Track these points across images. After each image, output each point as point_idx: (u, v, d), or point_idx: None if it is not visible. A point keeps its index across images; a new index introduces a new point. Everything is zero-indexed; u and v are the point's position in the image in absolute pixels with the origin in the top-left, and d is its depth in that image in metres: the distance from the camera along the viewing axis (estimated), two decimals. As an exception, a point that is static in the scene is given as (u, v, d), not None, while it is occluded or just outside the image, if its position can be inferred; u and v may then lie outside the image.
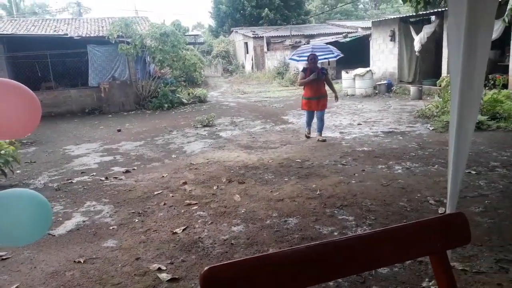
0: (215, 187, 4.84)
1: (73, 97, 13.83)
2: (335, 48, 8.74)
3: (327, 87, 7.26)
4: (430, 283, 2.62)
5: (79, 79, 14.36)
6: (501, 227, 3.40)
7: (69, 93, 13.85)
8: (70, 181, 5.55)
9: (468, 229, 1.69)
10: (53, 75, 13.78)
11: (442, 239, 1.64)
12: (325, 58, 8.93)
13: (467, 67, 2.21)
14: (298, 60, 8.72)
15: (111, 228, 3.83)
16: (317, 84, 6.98)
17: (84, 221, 4.04)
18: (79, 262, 3.18)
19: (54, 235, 3.74)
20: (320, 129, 7.22)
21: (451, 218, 1.75)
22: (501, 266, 2.81)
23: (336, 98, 7.54)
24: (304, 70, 7.15)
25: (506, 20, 9.57)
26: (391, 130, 7.93)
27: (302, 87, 7.26)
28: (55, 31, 14.78)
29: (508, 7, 8.81)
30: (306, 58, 7.50)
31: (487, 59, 2.30)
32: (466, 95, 2.26)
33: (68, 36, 13.51)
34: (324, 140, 7.06)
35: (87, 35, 14.11)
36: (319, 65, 7.22)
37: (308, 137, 7.38)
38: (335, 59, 7.68)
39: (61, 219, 4.13)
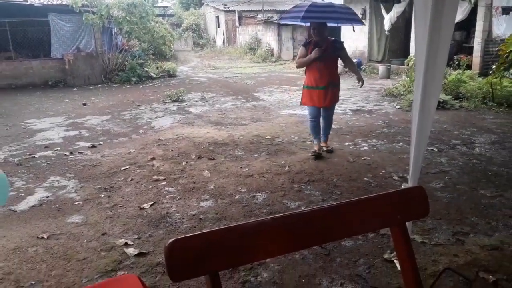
0: (184, 163, 4.81)
1: (35, 68, 13.17)
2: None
3: (341, 70, 5.11)
4: (391, 255, 2.73)
5: (41, 49, 13.64)
6: (459, 202, 3.57)
7: (30, 64, 13.17)
8: (32, 156, 5.35)
9: (427, 202, 1.76)
10: (13, 44, 13.02)
11: (402, 211, 1.71)
12: (346, 22, 5.08)
13: (431, 46, 2.25)
14: (295, 22, 5.81)
15: (76, 203, 3.75)
16: (324, 66, 4.60)
17: (47, 197, 3.93)
18: (43, 238, 3.10)
19: (16, 211, 3.62)
20: (326, 133, 5.03)
21: (411, 191, 1.82)
22: (458, 238, 2.97)
23: (360, 80, 4.89)
24: (306, 43, 4.79)
25: (472, 2, 9.82)
26: (358, 108, 8.07)
27: (303, 70, 4.89)
28: (14, -3, 13.93)
29: (475, -12, 9.01)
30: (307, 21, 4.88)
31: (450, 38, 2.35)
32: (430, 73, 2.32)
33: (29, 3, 12.75)
34: (331, 151, 5.04)
35: (49, 3, 13.36)
36: (329, 37, 4.74)
37: (318, 154, 4.84)
38: (360, 25, 5.04)
39: (23, 194, 4.00)
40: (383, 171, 4.41)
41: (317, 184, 4.07)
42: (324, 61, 4.59)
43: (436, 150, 5.07)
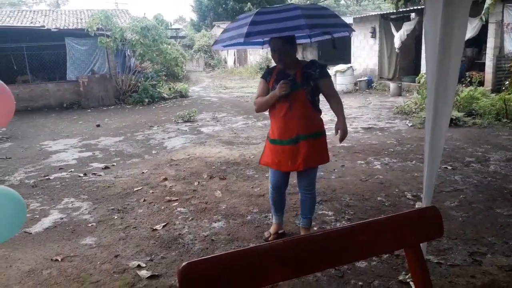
0: (196, 183, 4.83)
1: (51, 91, 13.51)
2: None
3: (324, 109, 3.32)
4: (407, 276, 2.68)
5: (57, 72, 14.02)
6: (475, 221, 3.50)
7: (46, 87, 13.52)
8: (47, 177, 5.44)
9: (441, 223, 1.73)
10: (30, 68, 13.42)
11: (416, 232, 1.69)
12: (323, 30, 3.02)
13: (442, 64, 2.26)
14: (236, 46, 3.26)
15: (89, 225, 3.78)
16: (292, 107, 2.92)
17: (61, 218, 3.97)
18: (57, 260, 3.12)
19: (31, 233, 3.66)
20: (305, 214, 3.24)
21: (425, 212, 1.80)
22: (474, 258, 2.90)
23: (342, 131, 3.12)
24: (267, 73, 3.10)
25: (483, 19, 9.83)
26: (370, 126, 8.04)
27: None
28: (31, 22, 14.41)
29: (485, 5, 9.03)
30: (263, 40, 3.31)
31: (461, 56, 2.36)
32: (441, 92, 2.32)
33: (46, 28, 13.18)
34: None
35: (65, 27, 13.80)
36: (302, 56, 3.48)
37: (273, 236, 3.31)
38: (346, 33, 3.17)
39: (37, 216, 4.05)
40: (396, 190, 4.36)
41: (330, 203, 4.04)
42: (293, 99, 2.89)
43: (450, 168, 5.01)
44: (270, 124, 3.13)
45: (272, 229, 3.34)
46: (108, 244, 3.37)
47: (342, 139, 3.12)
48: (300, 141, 2.94)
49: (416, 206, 3.86)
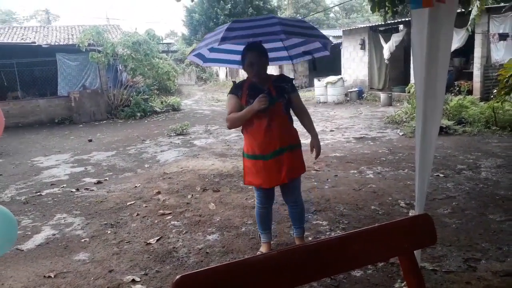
0: (189, 196, 4.81)
1: (42, 107, 13.45)
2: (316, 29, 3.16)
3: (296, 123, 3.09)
4: (402, 284, 2.68)
5: (48, 88, 13.98)
6: (468, 228, 3.53)
7: (37, 103, 13.46)
8: (39, 193, 5.38)
9: (434, 230, 1.75)
10: (20, 84, 13.38)
11: (409, 240, 1.70)
12: (305, 53, 3.34)
13: (429, 74, 2.31)
14: (212, 61, 3.40)
15: (82, 240, 3.73)
16: (272, 120, 2.89)
17: (54, 235, 3.92)
18: (50, 277, 3.08)
19: (23, 250, 3.61)
20: (298, 224, 3.26)
21: (417, 219, 1.82)
22: (469, 265, 2.91)
23: (316, 147, 3.11)
24: (236, 88, 3.01)
25: (470, 29, 10.02)
26: (362, 136, 8.10)
27: (240, 129, 3.09)
28: (22, 39, 14.41)
29: (471, 16, 9.21)
30: (224, 52, 3.28)
31: (448, 66, 2.41)
32: (430, 101, 2.36)
33: (36, 44, 13.18)
34: None
35: (56, 43, 13.82)
36: (292, 68, 3.17)
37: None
38: (326, 54, 3.18)
39: (29, 233, 3.99)
40: (389, 198, 4.38)
41: (324, 213, 4.05)
42: (271, 113, 2.86)
43: (442, 175, 5.05)
44: (246, 141, 3.03)
45: (263, 250, 3.22)
46: (102, 259, 3.33)
47: (317, 156, 3.14)
48: (283, 153, 2.92)
49: (410, 214, 3.87)
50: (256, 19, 2.84)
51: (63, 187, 5.66)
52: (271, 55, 3.10)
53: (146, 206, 4.55)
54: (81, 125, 12.57)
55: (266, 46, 3.02)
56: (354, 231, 1.68)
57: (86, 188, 5.49)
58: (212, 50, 3.13)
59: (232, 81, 3.14)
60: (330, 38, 3.26)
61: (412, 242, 1.71)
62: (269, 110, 2.84)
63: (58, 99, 13.61)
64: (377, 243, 1.64)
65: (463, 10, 6.95)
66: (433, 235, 1.76)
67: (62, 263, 3.29)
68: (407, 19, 12.60)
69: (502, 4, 10.42)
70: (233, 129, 3.04)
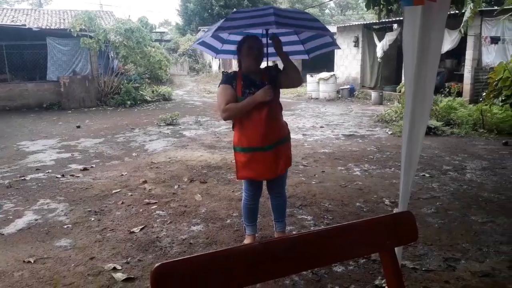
0: (176, 187, 4.79)
1: (30, 91, 13.22)
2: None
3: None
4: (382, 281, 2.71)
5: (38, 72, 13.74)
6: (450, 228, 3.57)
7: (25, 87, 13.23)
8: (23, 178, 5.31)
9: (415, 228, 1.76)
10: (9, 67, 13.13)
11: (391, 237, 1.71)
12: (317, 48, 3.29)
13: (419, 74, 2.31)
14: (216, 51, 3.32)
15: (65, 227, 3.69)
16: (270, 111, 2.89)
17: (36, 220, 3.87)
18: (29, 262, 3.04)
19: (3, 234, 3.56)
20: (282, 217, 3.28)
21: (400, 216, 1.83)
22: (449, 264, 2.95)
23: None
24: (228, 78, 2.92)
25: (462, 31, 10.10)
26: (351, 133, 8.14)
27: (231, 122, 3.10)
28: (12, 21, 14.12)
29: (464, 18, 9.28)
30: (236, 44, 3.02)
31: (437, 67, 2.41)
32: (418, 101, 2.36)
33: (27, 27, 12.93)
34: None
35: (48, 27, 13.58)
36: (266, 61, 2.98)
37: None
38: (336, 48, 3.33)
39: (11, 217, 3.94)
40: (375, 196, 4.41)
41: (310, 208, 4.06)
42: (270, 103, 2.85)
43: (428, 175, 5.10)
44: (240, 133, 2.95)
45: (248, 242, 3.19)
46: (84, 246, 3.30)
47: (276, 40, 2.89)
48: (280, 145, 2.96)
49: (394, 212, 3.91)
50: (254, 9, 2.88)
51: (48, 172, 5.59)
52: (286, 48, 3.03)
53: (131, 195, 4.52)
54: (70, 111, 12.41)
55: (282, 39, 2.95)
56: (335, 225, 1.69)
57: (72, 175, 5.43)
58: (224, 42, 3.19)
59: (222, 72, 3.07)
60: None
61: (393, 239, 1.71)
62: (269, 101, 2.83)
63: (47, 83, 13.39)
64: (358, 239, 1.64)
65: (457, 11, 6.98)
66: (415, 233, 1.76)
67: (43, 249, 3.26)
68: (401, 18, 12.64)
69: (495, 8, 10.50)
70: (223, 121, 3.02)
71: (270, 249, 1.46)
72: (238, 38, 3.06)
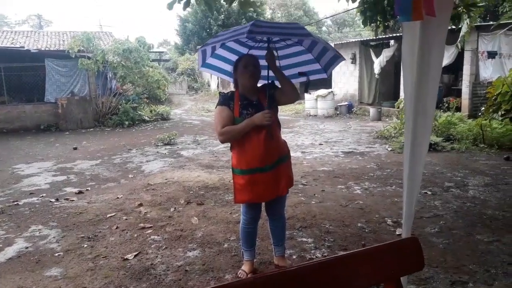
0: (172, 209, 4.66)
1: (28, 113, 13.18)
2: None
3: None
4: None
5: (36, 94, 13.73)
6: (455, 248, 3.44)
7: (23, 109, 13.19)
8: (16, 203, 5.18)
9: (421, 254, 1.66)
10: (7, 89, 13.12)
11: (396, 265, 1.61)
12: (300, 74, 3.11)
13: (420, 90, 2.23)
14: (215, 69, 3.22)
15: (56, 255, 3.56)
16: (265, 131, 2.77)
17: (27, 248, 3.73)
18: (17, 293, 2.91)
19: (-8, 264, 3.43)
20: (281, 241, 3.17)
21: (404, 243, 1.73)
22: (456, 288, 2.82)
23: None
24: (225, 99, 2.86)
25: (459, 46, 10.13)
26: (351, 150, 8.05)
27: (225, 147, 2.89)
28: (12, 43, 14.19)
29: (461, 33, 9.32)
30: (230, 57, 3.08)
31: (438, 84, 2.34)
32: (419, 118, 2.28)
33: (25, 49, 12.98)
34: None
35: (47, 49, 13.62)
36: (264, 79, 2.87)
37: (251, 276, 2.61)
38: (319, 77, 3.19)
39: (1, 245, 3.80)
40: (376, 215, 4.29)
41: (310, 230, 3.94)
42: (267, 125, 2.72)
43: (430, 193, 4.99)
44: (238, 155, 2.85)
45: (246, 268, 3.07)
46: (75, 275, 3.16)
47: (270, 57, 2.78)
48: (280, 164, 2.86)
49: (397, 233, 3.79)
50: (281, 22, 2.80)
51: (42, 196, 5.47)
52: (304, 68, 3.08)
53: (126, 219, 4.39)
54: (68, 132, 12.34)
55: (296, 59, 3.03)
56: (337, 255, 1.58)
57: (66, 198, 5.31)
58: (213, 55, 3.06)
59: (219, 93, 3.01)
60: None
61: (398, 267, 1.61)
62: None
63: (45, 105, 13.36)
64: (362, 269, 1.54)
65: (453, 26, 6.99)
66: (421, 260, 1.66)
67: (32, 279, 3.12)
68: (398, 34, 12.71)
69: (491, 23, 10.56)
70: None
71: (266, 284, 1.36)
72: (226, 54, 3.05)
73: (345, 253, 1.54)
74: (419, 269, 1.68)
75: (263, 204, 3.08)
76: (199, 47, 3.21)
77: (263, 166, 2.77)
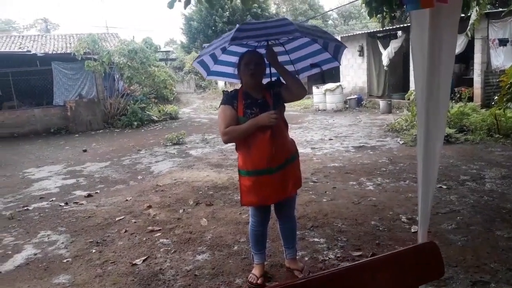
0: (181, 211, 4.60)
1: (37, 116, 13.28)
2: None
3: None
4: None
5: (45, 97, 13.83)
6: (475, 245, 3.31)
7: (33, 113, 13.29)
8: (26, 208, 5.17)
9: (441, 261, 1.55)
10: (16, 94, 13.23)
11: (414, 273, 1.50)
12: (312, 66, 3.03)
13: (431, 81, 2.11)
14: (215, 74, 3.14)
15: (64, 261, 3.51)
16: (276, 131, 2.67)
17: (35, 254, 3.70)
18: (25, 302, 2.87)
19: (0, 272, 3.39)
20: (292, 244, 3.07)
21: (422, 249, 1.62)
22: (477, 288, 2.70)
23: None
24: (229, 98, 2.74)
25: (469, 34, 9.87)
26: (361, 144, 7.90)
27: (234, 145, 2.85)
28: (19, 48, 14.27)
29: (470, 21, 9.07)
30: (235, 61, 2.85)
31: (451, 74, 2.21)
32: (432, 111, 2.16)
33: (32, 53, 13.04)
34: (301, 270, 3.01)
35: (53, 52, 13.67)
36: (267, 75, 2.77)
37: (262, 279, 2.91)
38: (335, 65, 3.03)
39: (10, 252, 3.78)
40: (390, 212, 4.17)
41: (321, 229, 3.83)
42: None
43: (445, 187, 4.84)
44: (244, 156, 2.73)
45: (257, 272, 2.95)
46: (83, 282, 3.11)
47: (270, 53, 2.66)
48: (287, 165, 2.74)
49: (412, 230, 3.67)
50: (266, 21, 2.55)
51: (52, 200, 5.45)
52: (316, 59, 2.97)
53: (135, 222, 4.34)
54: (77, 135, 12.39)
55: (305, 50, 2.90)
56: (353, 264, 1.48)
57: (76, 202, 5.28)
58: (217, 62, 2.96)
59: (223, 91, 2.89)
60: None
61: (417, 275, 1.51)
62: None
63: (54, 108, 13.44)
64: (379, 278, 1.44)
65: (462, 14, 6.79)
66: (441, 267, 1.55)
67: (40, 287, 3.07)
68: (405, 25, 12.46)
69: (500, 9, 10.27)
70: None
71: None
72: (230, 58, 2.91)
73: (362, 261, 1.44)
74: (439, 277, 1.57)
75: (272, 205, 2.97)
76: (193, 61, 2.98)
77: (270, 167, 2.66)
